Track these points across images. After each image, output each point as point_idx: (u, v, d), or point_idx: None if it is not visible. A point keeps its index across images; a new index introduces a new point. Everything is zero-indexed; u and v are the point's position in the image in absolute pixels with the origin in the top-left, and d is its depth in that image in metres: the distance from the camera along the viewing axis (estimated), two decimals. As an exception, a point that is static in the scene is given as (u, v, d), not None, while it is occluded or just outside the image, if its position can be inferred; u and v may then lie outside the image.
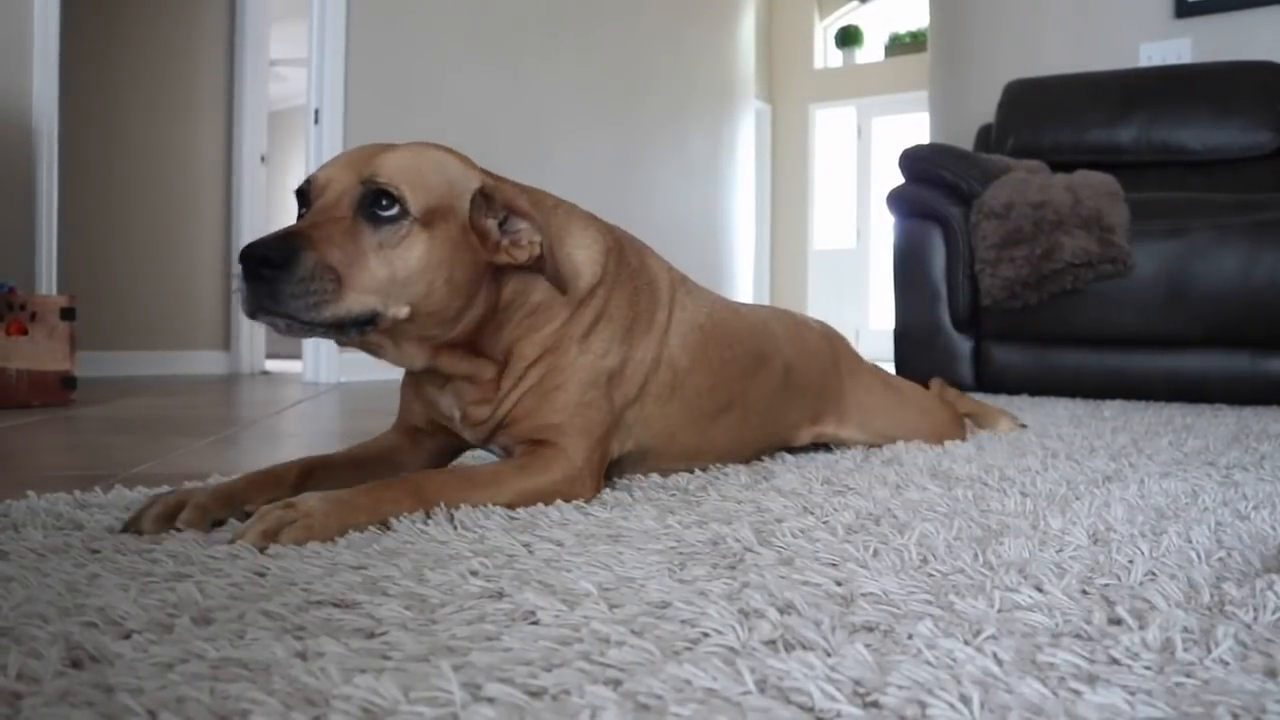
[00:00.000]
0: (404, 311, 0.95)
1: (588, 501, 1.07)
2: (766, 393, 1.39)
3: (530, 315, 1.10)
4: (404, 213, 0.93)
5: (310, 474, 1.05)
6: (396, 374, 1.20)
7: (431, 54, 4.28)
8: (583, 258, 1.14)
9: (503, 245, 1.02)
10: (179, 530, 0.90)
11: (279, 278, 0.86)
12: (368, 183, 0.93)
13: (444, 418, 1.16)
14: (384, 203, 0.93)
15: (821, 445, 1.59)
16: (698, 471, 1.31)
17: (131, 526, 0.90)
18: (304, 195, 0.98)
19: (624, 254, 1.20)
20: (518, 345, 1.10)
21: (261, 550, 0.81)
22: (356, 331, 0.94)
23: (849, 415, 1.57)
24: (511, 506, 1.02)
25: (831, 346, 1.58)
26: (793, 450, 1.53)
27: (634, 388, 1.17)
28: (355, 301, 0.91)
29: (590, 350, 1.12)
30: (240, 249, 0.88)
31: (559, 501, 1.04)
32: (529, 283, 1.08)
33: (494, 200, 1.02)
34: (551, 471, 1.06)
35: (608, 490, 1.14)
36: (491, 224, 1.02)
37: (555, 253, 1.06)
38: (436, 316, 0.99)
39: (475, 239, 1.00)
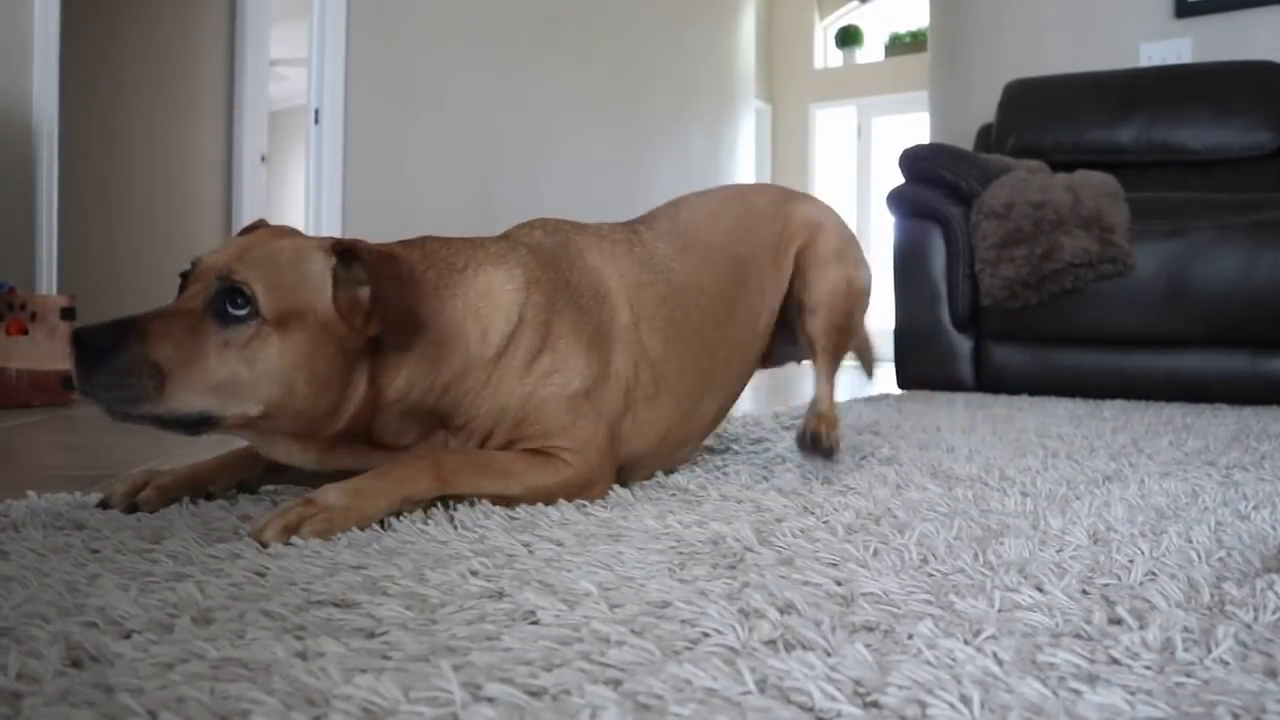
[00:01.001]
0: (254, 410, 0.90)
1: (598, 496, 1.09)
2: (743, 316, 1.33)
3: (444, 391, 1.03)
4: (254, 313, 0.89)
5: None
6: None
7: (432, 54, 4.28)
8: (489, 317, 1.05)
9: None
10: (140, 510, 0.98)
11: (98, 366, 0.84)
12: (223, 278, 0.90)
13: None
14: (238, 300, 0.89)
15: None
16: (698, 471, 1.31)
17: (105, 504, 0.99)
18: (186, 277, 0.95)
19: (558, 272, 1.13)
20: (448, 415, 1.05)
21: (284, 543, 0.84)
22: (186, 431, 0.89)
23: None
24: (520, 501, 1.01)
25: (781, 203, 1.46)
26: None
27: (620, 400, 1.14)
28: (180, 401, 0.86)
29: (548, 381, 1.08)
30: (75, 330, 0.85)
31: (561, 501, 1.04)
32: (429, 362, 1.01)
33: (349, 258, 0.95)
34: (561, 472, 1.05)
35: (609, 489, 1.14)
36: (363, 293, 0.95)
37: (396, 298, 0.95)
38: (304, 415, 0.94)
39: (341, 327, 0.94)
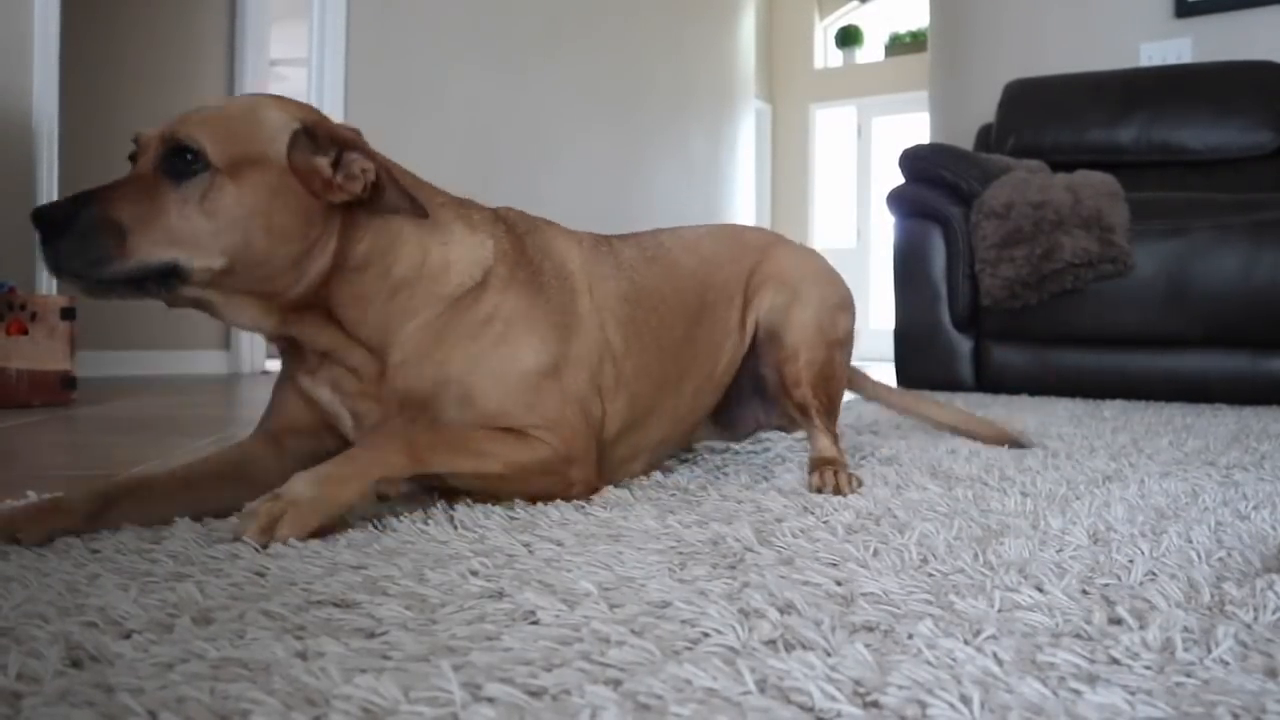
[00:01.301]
0: (218, 263, 0.91)
1: (588, 500, 1.06)
2: (705, 344, 1.29)
3: (394, 293, 1.02)
4: (205, 165, 0.90)
5: (113, 502, 0.91)
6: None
7: (432, 54, 4.28)
8: (457, 255, 1.05)
9: (336, 182, 0.96)
10: None
11: (62, 236, 0.86)
12: (168, 140, 0.91)
13: (331, 417, 1.06)
14: (188, 157, 0.90)
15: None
16: (698, 471, 1.31)
17: None
18: (134, 158, 0.96)
19: (524, 253, 1.12)
20: (392, 337, 1.02)
21: (264, 547, 0.82)
22: (162, 288, 0.90)
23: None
24: (501, 482, 0.99)
25: (766, 245, 1.41)
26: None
27: (587, 383, 1.11)
28: (145, 254, 0.88)
29: (495, 351, 1.05)
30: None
31: (560, 500, 1.04)
32: (390, 241, 1.01)
33: (318, 136, 0.96)
34: (538, 450, 1.02)
35: (609, 489, 1.14)
36: (322, 162, 0.96)
37: (398, 181, 0.99)
38: (265, 267, 0.94)
39: (297, 182, 0.94)
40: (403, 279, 1.02)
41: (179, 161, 0.90)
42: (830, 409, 1.32)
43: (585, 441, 1.08)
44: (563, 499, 1.05)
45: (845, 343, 1.36)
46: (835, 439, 1.31)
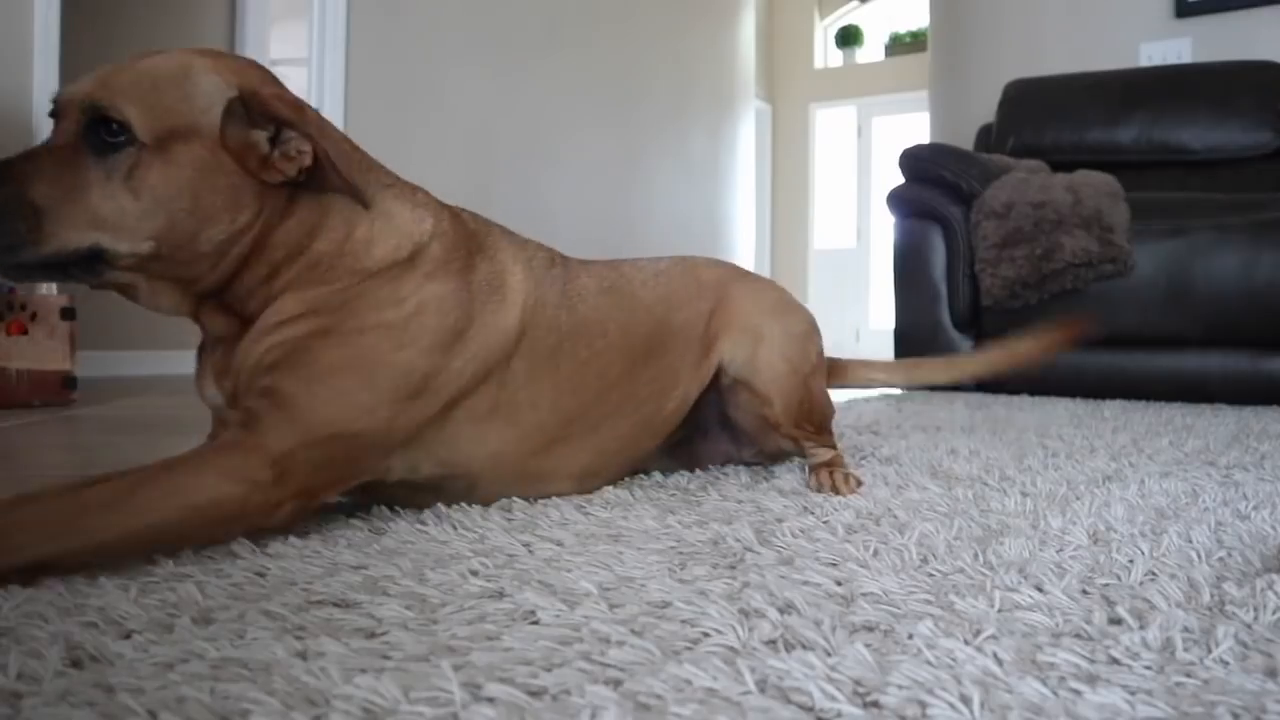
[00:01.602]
0: (144, 246, 0.84)
1: (277, 525, 0.84)
2: (649, 383, 1.19)
3: (308, 269, 0.93)
4: (131, 139, 0.82)
5: None
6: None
7: (432, 54, 4.28)
8: (386, 230, 0.96)
9: (273, 160, 0.88)
10: None
11: None
12: (90, 110, 0.82)
13: (214, 409, 0.97)
14: (112, 128, 0.82)
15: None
16: (698, 471, 1.31)
17: None
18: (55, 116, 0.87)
19: (464, 244, 1.02)
20: (280, 299, 0.92)
21: None
22: (86, 273, 0.84)
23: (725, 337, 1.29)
24: (147, 543, 0.77)
25: (716, 292, 1.30)
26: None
27: (438, 403, 0.96)
28: (63, 240, 0.80)
29: (380, 332, 0.92)
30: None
31: (558, 499, 1.04)
32: (317, 218, 0.93)
33: (255, 108, 0.86)
34: (222, 462, 0.81)
35: (609, 489, 1.13)
36: (259, 136, 0.87)
37: (339, 165, 0.89)
38: (189, 250, 0.86)
39: (230, 158, 0.86)
40: (319, 256, 0.93)
41: (102, 133, 0.82)
42: (821, 427, 1.29)
43: (310, 464, 0.86)
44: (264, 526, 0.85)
45: (818, 369, 1.32)
46: (833, 445, 1.30)
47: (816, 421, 1.28)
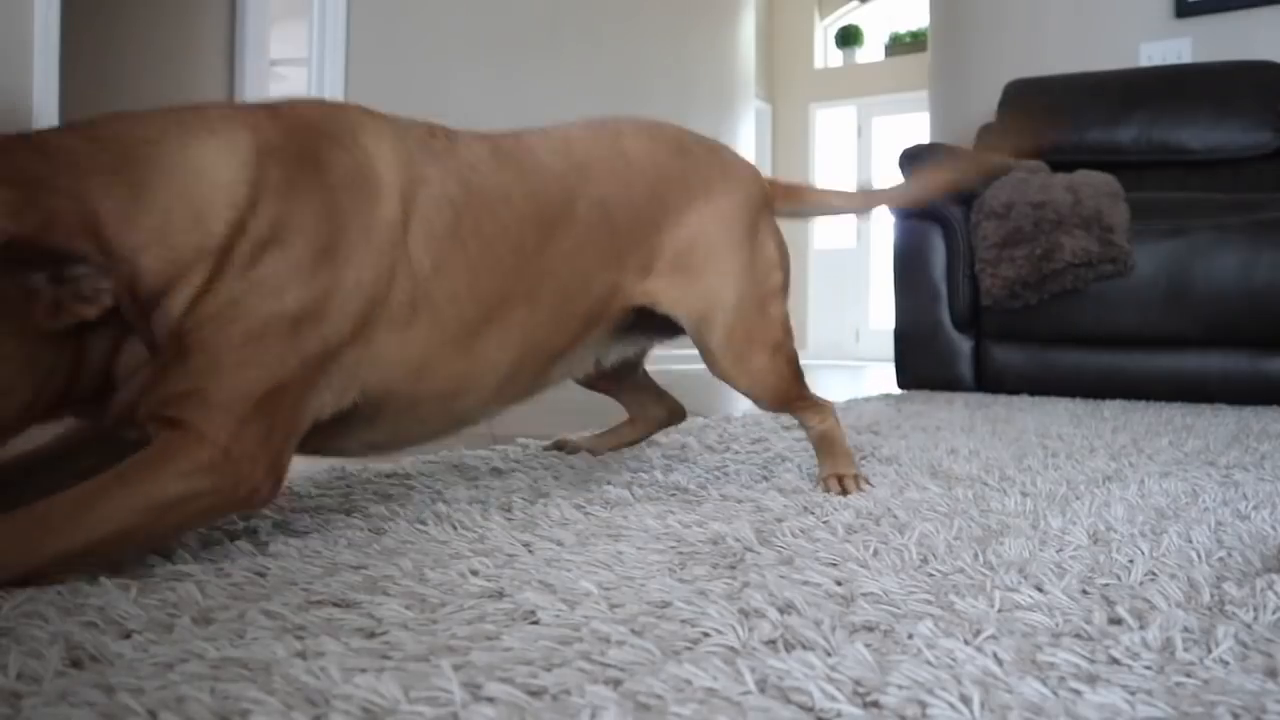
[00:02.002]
0: None
1: (263, 503, 0.81)
2: (570, 257, 1.05)
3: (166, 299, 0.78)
4: None
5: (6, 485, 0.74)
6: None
7: (432, 54, 4.29)
8: (205, 189, 0.79)
9: (65, 304, 0.70)
10: None
11: None
12: None
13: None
14: None
15: (661, 333, 1.25)
16: (698, 471, 1.31)
17: None
18: None
19: (300, 149, 0.86)
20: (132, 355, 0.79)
21: None
22: None
23: (684, 264, 1.15)
24: (122, 542, 0.73)
25: (686, 155, 1.19)
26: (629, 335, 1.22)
27: (349, 322, 0.86)
28: None
29: (254, 289, 0.80)
30: None
31: (559, 499, 1.04)
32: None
33: (27, 251, 0.68)
34: (174, 464, 0.74)
35: (610, 488, 1.13)
36: (39, 279, 0.69)
37: (140, 298, 0.74)
38: None
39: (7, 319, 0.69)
40: (160, 288, 0.76)
41: None
42: (797, 382, 1.20)
43: (262, 428, 0.79)
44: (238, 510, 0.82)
45: (782, 291, 1.20)
46: (817, 401, 1.23)
47: (787, 378, 1.19)
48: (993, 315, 2.92)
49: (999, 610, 0.66)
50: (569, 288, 1.06)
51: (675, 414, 1.52)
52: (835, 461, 1.22)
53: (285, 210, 0.83)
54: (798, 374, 1.22)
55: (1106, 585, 0.73)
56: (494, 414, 1.08)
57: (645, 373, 1.49)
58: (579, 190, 1.07)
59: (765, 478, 1.26)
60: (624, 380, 1.45)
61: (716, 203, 1.18)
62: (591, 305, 1.10)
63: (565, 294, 1.06)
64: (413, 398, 0.95)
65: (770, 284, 1.21)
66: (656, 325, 1.21)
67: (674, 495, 1.12)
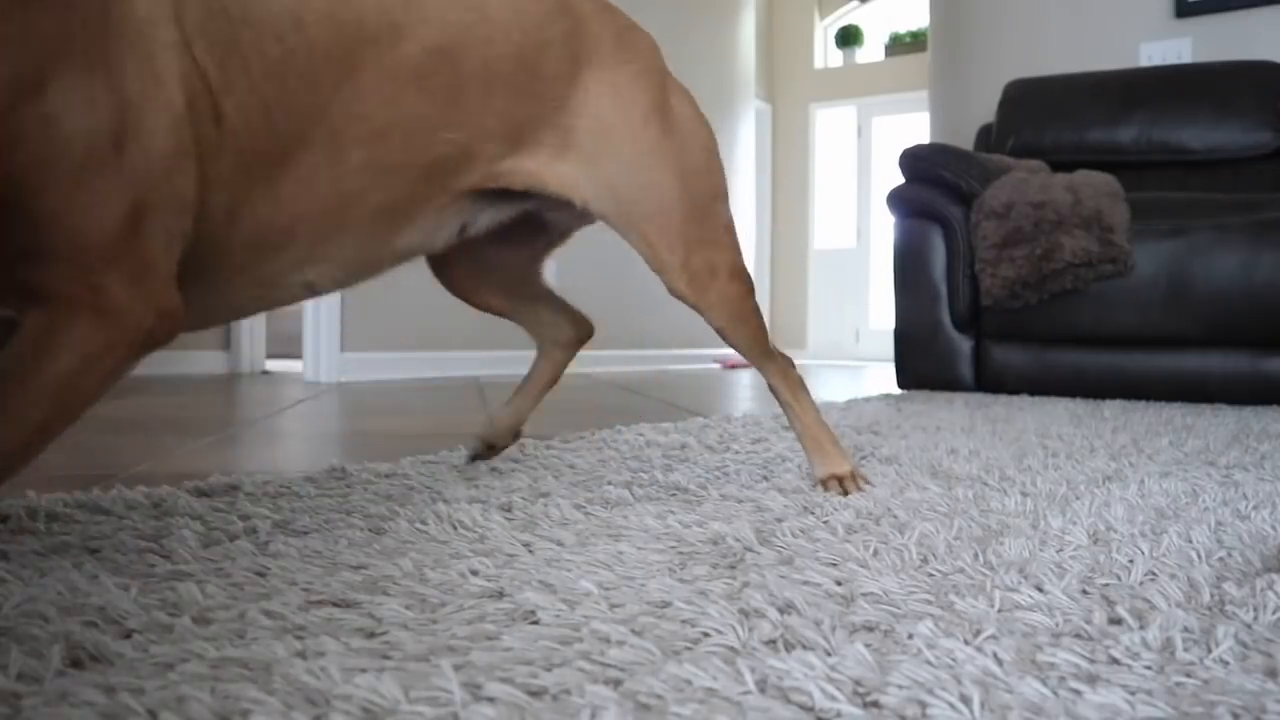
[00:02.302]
0: None
1: (168, 336, 0.75)
2: (389, 102, 0.91)
3: None
4: None
5: None
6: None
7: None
8: None
9: None
10: None
11: None
12: None
13: None
14: None
15: (561, 230, 1.16)
16: (698, 471, 1.31)
17: None
18: None
19: None
20: None
21: None
22: None
23: (573, 142, 1.02)
24: (46, 435, 0.70)
25: (568, 15, 1.03)
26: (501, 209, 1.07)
27: (169, 140, 0.74)
28: None
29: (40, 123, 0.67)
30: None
31: (559, 498, 1.04)
32: None
33: None
34: (58, 341, 0.69)
35: (609, 488, 1.13)
36: None
37: None
38: None
39: None
40: None
41: None
42: (758, 315, 1.10)
43: (155, 271, 0.72)
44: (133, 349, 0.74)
45: (720, 193, 1.08)
46: (783, 362, 1.16)
47: (746, 317, 1.09)
48: (993, 315, 2.92)
49: (999, 610, 0.66)
50: (389, 138, 0.92)
51: (583, 328, 1.35)
52: (827, 459, 1.18)
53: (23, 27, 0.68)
54: (757, 308, 1.14)
55: (1106, 585, 0.73)
56: (337, 282, 0.94)
57: (543, 283, 1.31)
58: (407, 32, 0.92)
59: (765, 478, 1.26)
60: (517, 293, 1.29)
61: (612, 73, 1.05)
62: (429, 165, 0.96)
63: (386, 144, 0.92)
64: (227, 244, 0.83)
65: (707, 182, 1.09)
66: (551, 203, 1.07)
67: (674, 495, 1.12)
